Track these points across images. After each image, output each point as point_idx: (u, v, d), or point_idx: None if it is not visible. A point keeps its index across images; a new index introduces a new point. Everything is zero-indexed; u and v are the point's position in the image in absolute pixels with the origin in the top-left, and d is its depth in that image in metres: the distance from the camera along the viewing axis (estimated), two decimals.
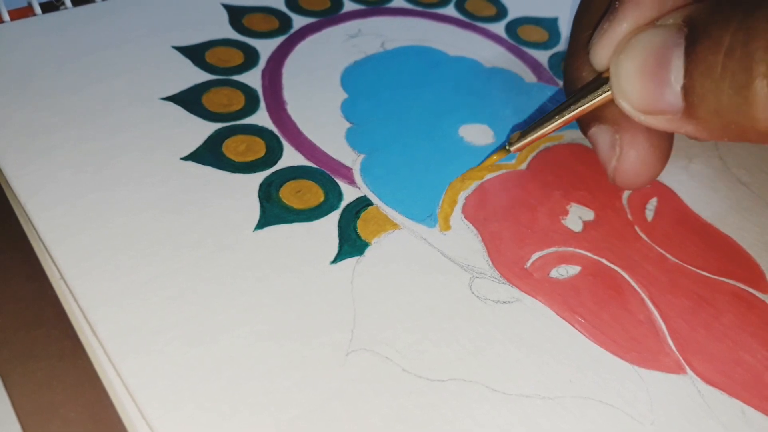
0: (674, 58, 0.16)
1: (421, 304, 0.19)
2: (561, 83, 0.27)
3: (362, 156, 0.22)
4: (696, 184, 0.23)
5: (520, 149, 0.21)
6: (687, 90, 0.16)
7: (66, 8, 0.27)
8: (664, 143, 0.20)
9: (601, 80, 0.18)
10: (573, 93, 0.20)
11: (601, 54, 0.18)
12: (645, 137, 0.19)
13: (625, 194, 0.22)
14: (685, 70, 0.15)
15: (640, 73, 0.16)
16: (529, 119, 0.25)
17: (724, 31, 0.15)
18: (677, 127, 0.17)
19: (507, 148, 0.21)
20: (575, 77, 0.20)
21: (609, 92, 0.18)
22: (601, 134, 0.20)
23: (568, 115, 0.19)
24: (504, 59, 0.27)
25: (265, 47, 0.26)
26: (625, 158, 0.20)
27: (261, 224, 0.20)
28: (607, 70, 0.18)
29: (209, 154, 0.22)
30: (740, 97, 0.15)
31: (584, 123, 0.21)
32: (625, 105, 0.17)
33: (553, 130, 0.20)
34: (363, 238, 0.20)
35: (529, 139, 0.21)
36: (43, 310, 0.18)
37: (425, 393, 0.17)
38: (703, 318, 0.19)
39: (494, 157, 0.22)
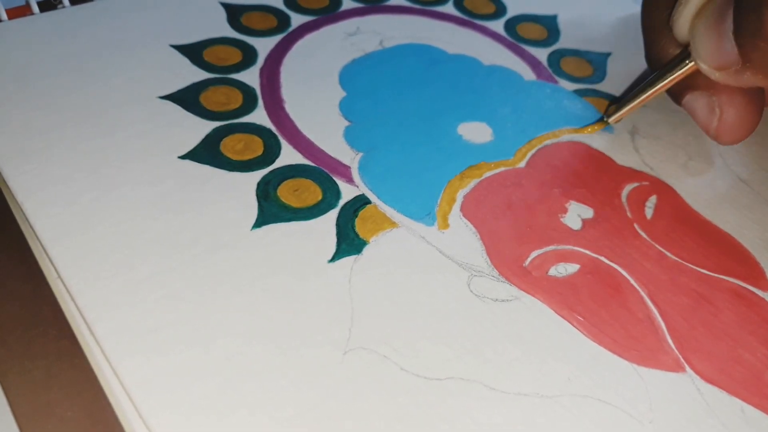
0: (730, 10, 0.18)
1: (419, 302, 0.18)
2: (560, 81, 0.27)
3: (360, 154, 0.22)
4: (695, 182, 0.23)
5: (617, 120, 0.24)
6: (735, 33, 0.18)
7: (64, 7, 0.27)
8: (758, 97, 0.21)
9: (686, 52, 0.21)
10: (661, 68, 0.22)
11: (684, 26, 0.20)
12: (741, 94, 0.21)
13: (624, 192, 0.22)
14: (734, 17, 0.17)
15: (707, 31, 0.19)
16: (528, 117, 0.25)
17: None
18: (740, 78, 0.19)
19: (605, 119, 0.24)
20: (662, 55, 0.22)
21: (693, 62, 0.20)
22: (697, 100, 0.22)
23: (661, 84, 0.22)
24: (503, 57, 0.27)
25: (264, 46, 0.26)
26: (726, 117, 0.21)
27: (259, 223, 0.20)
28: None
29: (207, 152, 0.22)
30: (758, 20, 0.17)
31: (676, 93, 0.22)
32: (702, 65, 0.19)
33: (648, 99, 0.23)
34: (361, 236, 0.20)
35: (625, 109, 0.23)
36: (40, 310, 0.18)
37: (423, 392, 0.17)
38: (702, 316, 0.19)
39: (594, 127, 0.24)
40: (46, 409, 0.16)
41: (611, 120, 0.24)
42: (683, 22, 0.20)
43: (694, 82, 0.21)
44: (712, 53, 0.19)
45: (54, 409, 0.16)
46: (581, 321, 0.19)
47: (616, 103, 0.24)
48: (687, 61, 0.21)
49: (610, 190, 0.22)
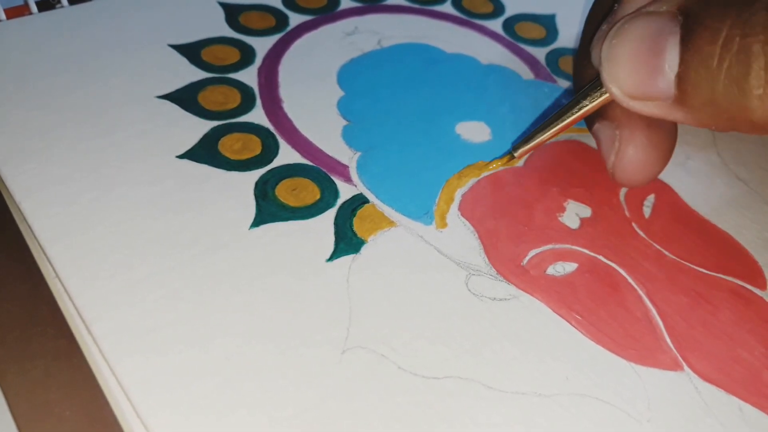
0: (669, 46, 0.16)
1: (417, 301, 0.18)
2: (558, 80, 0.27)
3: (358, 154, 0.22)
4: (694, 181, 0.23)
5: (525, 153, 0.22)
6: (681, 78, 0.16)
7: (62, 6, 0.27)
8: (664, 143, 0.20)
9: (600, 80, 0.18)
10: (577, 93, 0.20)
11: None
12: (644, 135, 0.19)
13: (623, 191, 0.22)
14: (681, 59, 0.16)
15: (633, 59, 0.16)
16: (527, 117, 0.25)
17: (721, 23, 0.15)
18: (666, 114, 0.17)
19: (512, 154, 0.22)
20: (582, 77, 0.21)
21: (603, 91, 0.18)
22: (603, 130, 0.20)
23: (569, 119, 0.20)
24: (501, 56, 0.27)
25: (262, 45, 0.26)
26: (623, 154, 0.20)
27: (257, 222, 0.20)
28: None
29: (205, 152, 0.22)
30: (736, 88, 0.15)
31: (589, 120, 0.21)
32: (615, 90, 0.17)
33: (556, 134, 0.21)
34: (359, 235, 0.20)
35: (533, 144, 0.21)
36: (39, 309, 0.18)
37: (421, 391, 0.17)
38: (700, 315, 0.19)
39: (498, 163, 0.22)
40: (44, 408, 0.16)
41: (517, 154, 0.21)
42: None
43: (605, 111, 0.20)
44: (634, 84, 0.17)
45: (52, 408, 0.16)
46: (579, 320, 0.19)
47: (527, 135, 0.21)
48: (599, 91, 0.19)
49: (608, 189, 0.22)
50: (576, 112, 0.20)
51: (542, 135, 0.21)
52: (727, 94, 0.15)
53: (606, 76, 0.17)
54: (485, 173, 0.22)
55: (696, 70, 0.15)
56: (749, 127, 0.15)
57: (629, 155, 0.20)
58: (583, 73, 0.21)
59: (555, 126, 0.20)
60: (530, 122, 0.24)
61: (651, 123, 0.19)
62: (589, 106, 0.19)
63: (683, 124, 0.17)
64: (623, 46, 0.17)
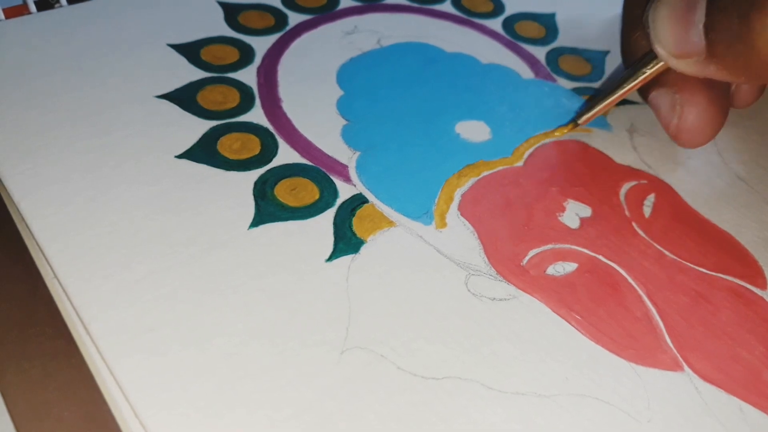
0: (700, 2, 0.17)
1: (417, 301, 0.18)
2: (558, 79, 0.27)
3: (358, 153, 0.22)
4: (694, 180, 0.23)
5: (587, 121, 0.23)
6: (707, 27, 0.17)
7: (61, 6, 0.27)
8: (721, 100, 0.21)
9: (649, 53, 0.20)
10: (632, 65, 0.21)
11: None
12: (704, 95, 0.21)
13: (623, 190, 0.22)
14: (707, 9, 0.17)
15: (672, 17, 0.18)
16: (526, 116, 0.25)
17: None
18: (703, 69, 0.18)
19: (576, 121, 0.23)
20: (633, 50, 0.22)
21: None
22: (662, 97, 0.21)
23: (631, 83, 0.21)
24: (501, 55, 0.27)
25: (261, 44, 0.26)
26: (686, 116, 0.21)
27: (255, 222, 0.20)
28: None
29: (204, 152, 0.22)
30: (744, 26, 0.16)
31: (644, 90, 0.22)
32: (660, 50, 0.19)
33: (619, 99, 0.22)
34: (358, 235, 0.20)
35: (596, 110, 0.23)
36: (37, 309, 0.18)
37: (420, 391, 0.17)
38: (700, 315, 0.19)
39: (564, 130, 0.24)
40: (42, 408, 0.16)
41: (581, 121, 0.23)
42: None
43: (662, 79, 0.21)
44: (674, 41, 0.18)
45: (50, 408, 0.16)
46: (579, 320, 0.18)
47: (589, 103, 0.23)
48: (657, 59, 0.20)
49: (608, 189, 0.22)
50: (636, 79, 0.21)
51: (604, 102, 0.22)
52: (739, 34, 0.16)
53: (652, 37, 0.19)
54: (485, 173, 0.22)
55: (717, 16, 0.17)
56: (763, 69, 0.17)
57: (692, 116, 0.21)
58: (633, 46, 0.22)
59: (616, 93, 0.22)
60: (530, 121, 0.24)
61: (708, 84, 0.21)
62: (648, 72, 0.21)
63: (721, 80, 0.18)
64: (664, 7, 0.18)
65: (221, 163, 0.21)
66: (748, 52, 0.17)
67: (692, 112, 0.21)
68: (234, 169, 0.21)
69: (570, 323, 0.18)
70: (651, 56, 0.20)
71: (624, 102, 0.26)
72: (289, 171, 0.21)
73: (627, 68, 0.22)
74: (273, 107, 0.24)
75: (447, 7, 0.29)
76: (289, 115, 0.23)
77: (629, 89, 0.21)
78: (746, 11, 0.16)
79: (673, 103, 0.21)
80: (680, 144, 0.22)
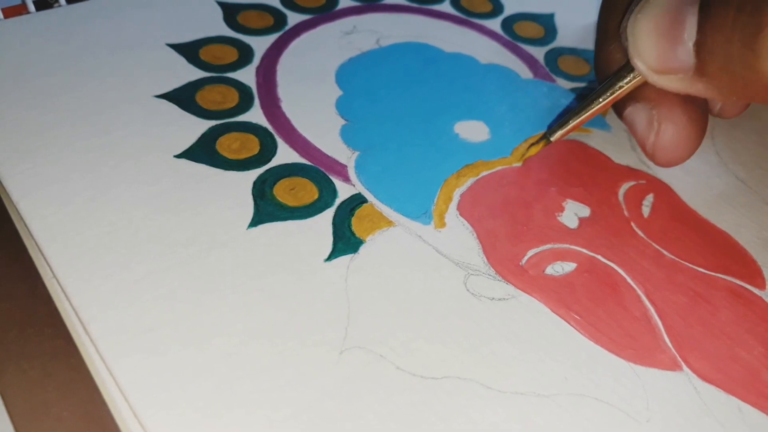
0: (689, 16, 0.16)
1: (416, 301, 0.18)
2: (557, 79, 0.27)
3: (357, 153, 0.22)
4: (693, 180, 0.23)
5: (561, 137, 0.22)
6: (699, 46, 0.16)
7: (60, 6, 0.27)
8: (700, 117, 0.20)
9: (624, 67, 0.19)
10: (606, 79, 0.20)
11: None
12: (682, 110, 0.20)
13: (622, 190, 0.22)
14: (699, 27, 0.16)
15: (655, 32, 0.17)
16: (526, 116, 0.25)
17: None
18: (688, 87, 0.17)
19: (548, 138, 0.22)
20: (608, 64, 0.21)
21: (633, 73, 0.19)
22: (638, 113, 0.21)
23: (605, 100, 0.20)
24: (500, 55, 0.27)
25: (260, 44, 0.26)
26: (664, 133, 0.20)
27: (254, 222, 0.20)
28: None
29: (203, 151, 0.22)
30: (748, 50, 0.15)
31: (619, 106, 0.21)
32: (640, 65, 0.18)
33: (591, 117, 0.21)
34: (357, 235, 0.20)
35: (567, 128, 0.22)
36: (36, 309, 0.18)
37: (419, 391, 0.17)
38: (699, 315, 0.19)
39: (533, 149, 0.22)
40: (41, 408, 0.16)
41: (553, 138, 0.22)
42: None
43: (638, 94, 0.20)
44: (657, 56, 0.17)
45: (49, 408, 0.16)
46: (578, 320, 0.19)
47: (560, 119, 0.22)
48: (634, 73, 0.19)
49: (607, 189, 0.22)
50: (611, 94, 0.20)
51: (577, 119, 0.21)
52: (740, 57, 0.15)
53: (632, 51, 0.17)
54: (484, 172, 0.22)
55: (712, 36, 0.16)
56: (764, 92, 0.16)
57: (669, 133, 0.20)
58: (607, 59, 0.21)
59: (590, 110, 0.21)
60: (529, 121, 0.24)
61: (686, 99, 0.20)
62: (624, 87, 0.19)
63: (706, 98, 0.18)
64: (647, 19, 0.17)
65: (220, 163, 0.21)
66: (750, 76, 0.16)
67: (670, 129, 0.20)
68: (233, 169, 0.21)
69: (569, 323, 0.18)
70: (627, 70, 0.19)
71: None
72: (288, 171, 0.21)
73: (600, 82, 0.21)
74: (272, 107, 0.24)
75: (446, 7, 0.29)
76: (288, 114, 0.23)
77: (604, 105, 0.20)
78: (751, 35, 0.15)
79: (650, 120, 0.20)
80: (657, 162, 0.21)
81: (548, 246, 0.20)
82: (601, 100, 0.20)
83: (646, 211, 0.22)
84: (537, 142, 0.22)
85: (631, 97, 0.20)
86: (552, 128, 0.22)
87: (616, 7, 0.20)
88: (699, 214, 0.22)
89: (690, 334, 0.19)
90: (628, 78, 0.19)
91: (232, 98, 0.24)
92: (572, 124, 0.21)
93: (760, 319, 0.19)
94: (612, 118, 0.25)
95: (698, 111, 0.20)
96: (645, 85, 0.19)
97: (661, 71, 0.17)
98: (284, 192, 0.21)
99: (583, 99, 0.21)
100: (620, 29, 0.19)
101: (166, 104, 0.23)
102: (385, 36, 0.27)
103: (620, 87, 0.20)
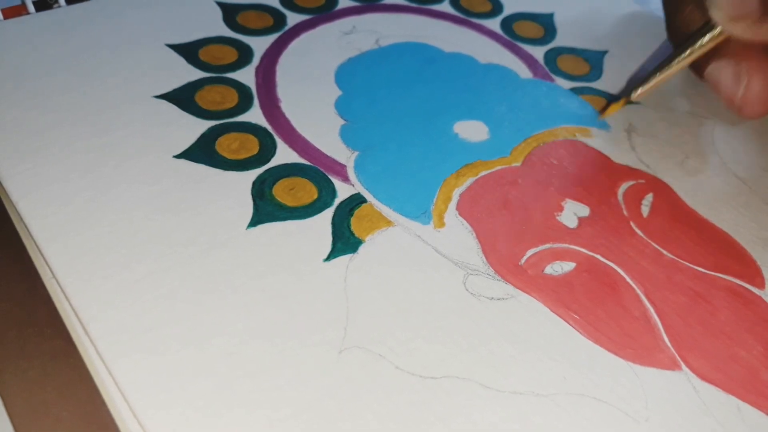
0: None
1: (415, 301, 0.18)
2: (556, 79, 0.27)
3: (356, 153, 0.22)
4: (692, 180, 0.23)
5: (641, 96, 0.23)
6: None
7: (59, 6, 0.27)
8: None
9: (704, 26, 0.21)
10: (685, 39, 0.22)
11: None
12: None
13: (621, 190, 0.22)
14: None
15: None
16: (525, 115, 0.25)
17: None
18: (759, 30, 0.18)
19: (629, 96, 0.23)
20: (685, 24, 0.22)
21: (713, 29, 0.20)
22: (723, 69, 0.21)
23: (686, 58, 0.21)
24: (499, 55, 0.27)
25: (259, 45, 0.26)
26: (754, 85, 0.21)
27: (254, 222, 0.20)
28: None
29: (202, 152, 0.22)
30: None
31: (699, 65, 0.22)
32: (717, 14, 0.19)
33: (672, 75, 0.22)
34: (356, 235, 0.20)
35: (651, 83, 0.23)
36: (35, 309, 0.18)
37: (418, 390, 0.17)
38: (698, 314, 0.19)
39: (613, 106, 0.24)
40: (41, 408, 0.16)
41: (635, 96, 0.23)
42: None
43: (720, 51, 0.21)
44: (731, 1, 0.18)
45: (49, 408, 0.16)
46: (577, 319, 0.19)
47: (637, 78, 0.23)
48: (715, 30, 0.20)
49: (606, 188, 0.22)
50: (690, 53, 0.21)
51: (659, 76, 0.22)
52: None
53: (709, 3, 0.19)
54: (483, 172, 0.22)
55: None
56: None
57: (759, 86, 0.21)
58: (682, 21, 0.22)
59: (671, 67, 0.22)
60: (528, 121, 0.24)
61: None
62: (705, 44, 0.21)
63: None
64: None
65: (220, 163, 0.21)
66: None
67: (759, 82, 0.21)
68: (232, 169, 0.21)
69: (568, 322, 0.18)
70: (707, 28, 0.20)
71: None
72: (288, 171, 0.21)
73: (675, 44, 0.22)
74: (271, 107, 0.24)
75: (445, 7, 0.29)
76: (288, 115, 0.23)
77: (686, 61, 0.21)
78: None
79: (737, 74, 0.21)
80: (745, 115, 0.21)
81: (547, 245, 0.20)
82: (682, 57, 0.21)
83: (645, 210, 0.22)
84: (616, 100, 0.24)
85: (714, 54, 0.21)
86: (632, 86, 0.23)
87: None
88: (698, 213, 0.22)
89: (689, 334, 0.19)
90: (709, 36, 0.20)
91: (232, 98, 0.24)
92: (654, 81, 0.23)
93: (759, 318, 0.19)
94: (611, 118, 0.25)
95: None
96: (728, 42, 0.20)
97: (735, 18, 0.19)
98: (283, 192, 0.21)
99: (660, 60, 0.22)
100: None
101: (165, 104, 0.23)
102: (385, 36, 0.27)
103: (701, 45, 0.21)
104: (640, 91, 0.23)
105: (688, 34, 0.22)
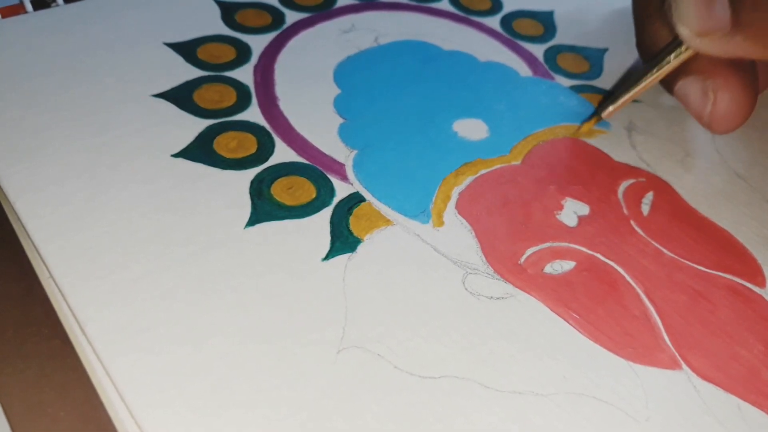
0: None
1: (414, 300, 0.18)
2: (556, 77, 0.26)
3: (355, 152, 0.22)
4: (693, 178, 0.23)
5: (610, 115, 0.23)
6: None
7: (57, 5, 0.27)
8: (753, 81, 0.21)
9: (671, 43, 0.20)
10: (653, 56, 0.21)
11: None
12: (735, 78, 0.20)
13: (621, 188, 0.22)
14: None
15: None
16: (524, 114, 0.24)
17: None
18: (728, 45, 0.18)
19: (600, 115, 0.23)
20: (653, 41, 0.22)
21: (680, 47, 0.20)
22: (691, 85, 0.21)
23: (655, 73, 0.21)
24: (499, 53, 0.27)
25: (258, 43, 0.26)
26: (721, 101, 0.21)
27: (252, 221, 0.20)
28: None
29: (200, 150, 0.22)
30: None
31: (669, 81, 0.22)
32: (683, 31, 0.19)
33: (641, 92, 0.22)
34: (355, 234, 0.20)
35: (619, 102, 0.23)
36: (32, 309, 0.18)
37: (417, 390, 0.16)
38: (699, 313, 0.19)
39: (589, 124, 0.24)
40: (38, 408, 0.16)
41: (605, 115, 0.23)
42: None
43: (688, 68, 0.21)
44: (698, 15, 0.18)
45: (46, 408, 0.16)
46: (577, 318, 0.18)
47: (609, 97, 0.23)
48: (682, 47, 0.20)
49: (606, 187, 0.22)
50: (660, 68, 0.21)
51: (628, 94, 0.22)
52: None
53: (675, 18, 0.18)
54: (482, 171, 0.22)
55: None
56: None
57: (726, 102, 0.20)
58: (650, 36, 0.22)
59: (640, 84, 0.22)
60: (528, 119, 0.24)
61: (737, 67, 0.20)
62: (672, 61, 0.21)
63: (747, 56, 0.18)
64: None
65: (218, 162, 0.21)
66: None
67: (726, 98, 0.20)
68: (230, 168, 0.21)
69: (568, 322, 0.18)
70: (674, 45, 0.20)
71: None
72: (286, 170, 0.21)
73: (646, 62, 0.22)
74: (270, 106, 0.24)
75: (444, 5, 0.29)
76: (286, 113, 0.23)
77: (654, 79, 0.21)
78: None
79: (705, 90, 0.21)
80: (714, 131, 0.21)
81: (547, 244, 0.20)
82: (650, 75, 0.21)
83: (645, 209, 0.22)
84: (589, 119, 0.24)
85: (683, 71, 0.21)
86: (603, 105, 0.23)
87: None
88: (699, 212, 0.22)
89: (689, 333, 0.18)
90: (676, 52, 0.20)
91: (230, 97, 0.24)
92: (623, 99, 0.23)
93: (760, 317, 0.19)
94: (612, 117, 0.25)
95: (749, 76, 0.21)
96: (696, 58, 0.20)
97: (702, 32, 0.18)
98: (282, 191, 0.21)
99: (631, 76, 0.22)
100: (665, 4, 0.20)
101: (163, 103, 0.23)
102: (384, 34, 0.27)
103: (668, 61, 0.21)
104: (611, 108, 0.23)
105: (656, 52, 0.21)
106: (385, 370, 0.17)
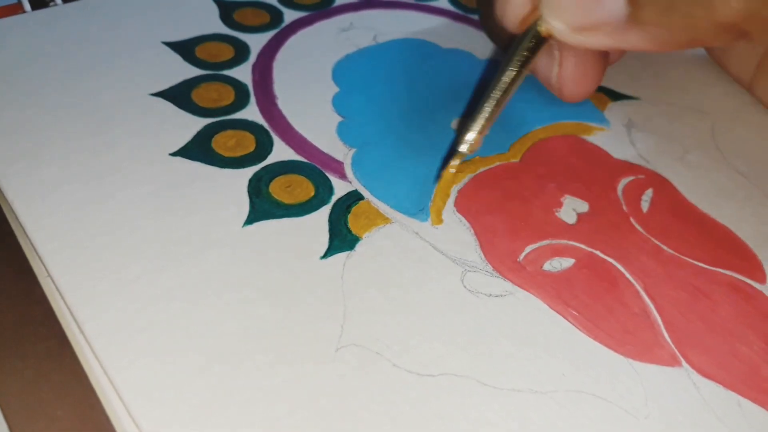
0: None
1: (412, 298, 0.18)
2: None
3: (353, 150, 0.22)
4: (693, 175, 0.23)
5: (475, 148, 0.20)
6: None
7: (56, 5, 0.27)
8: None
9: (530, 28, 0.18)
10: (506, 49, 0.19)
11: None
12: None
13: (620, 185, 0.22)
14: None
15: None
16: (523, 113, 0.24)
17: None
18: (618, 40, 0.16)
19: (458, 151, 0.20)
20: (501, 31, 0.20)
21: (540, 30, 0.17)
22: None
23: (517, 83, 0.19)
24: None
25: (256, 42, 0.26)
26: (567, 64, 0.19)
27: (250, 220, 0.20)
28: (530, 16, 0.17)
29: (198, 149, 0.22)
30: None
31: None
32: (558, 26, 0.16)
33: (508, 99, 0.19)
34: (354, 232, 0.20)
35: (476, 132, 0.19)
36: (30, 309, 0.18)
37: (416, 388, 0.16)
38: (699, 310, 0.19)
39: (453, 166, 0.20)
40: (36, 408, 0.16)
41: (468, 150, 0.20)
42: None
43: None
44: (582, 10, 0.15)
45: (44, 408, 0.16)
46: (576, 316, 0.18)
47: (464, 124, 0.19)
48: (533, 30, 0.17)
49: (605, 184, 0.22)
50: (521, 68, 0.18)
51: (486, 115, 0.19)
52: None
53: (546, 12, 0.16)
54: (481, 169, 0.22)
55: None
56: (711, 31, 0.14)
57: (572, 63, 0.19)
58: (497, 27, 0.20)
59: (505, 97, 0.19)
60: (527, 117, 0.24)
61: None
62: (534, 56, 0.18)
63: (634, 50, 0.16)
64: None
65: (216, 161, 0.21)
66: (698, 12, 0.14)
67: (572, 59, 0.19)
68: (229, 167, 0.21)
69: (567, 319, 0.18)
70: (531, 35, 0.17)
71: (620, 97, 0.26)
72: (284, 168, 0.21)
73: (496, 42, 0.20)
74: (268, 104, 0.23)
75: (443, 3, 0.29)
76: (285, 112, 0.23)
77: (516, 83, 0.19)
78: None
79: (550, 52, 0.19)
80: (565, 97, 0.20)
81: (546, 242, 0.20)
82: (508, 80, 0.18)
83: (645, 206, 0.22)
84: (451, 160, 0.20)
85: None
86: (459, 138, 0.20)
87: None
88: (699, 208, 0.22)
89: (689, 330, 0.18)
90: (534, 42, 0.18)
91: (228, 96, 0.24)
92: (482, 121, 0.19)
93: (760, 313, 0.19)
94: (610, 113, 0.25)
95: None
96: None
97: (586, 28, 0.15)
98: (280, 189, 0.21)
99: (482, 92, 0.19)
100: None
101: (161, 102, 0.23)
102: (382, 32, 0.27)
103: (528, 56, 0.18)
104: (471, 138, 0.19)
105: (509, 35, 0.19)
106: (383, 368, 0.17)
